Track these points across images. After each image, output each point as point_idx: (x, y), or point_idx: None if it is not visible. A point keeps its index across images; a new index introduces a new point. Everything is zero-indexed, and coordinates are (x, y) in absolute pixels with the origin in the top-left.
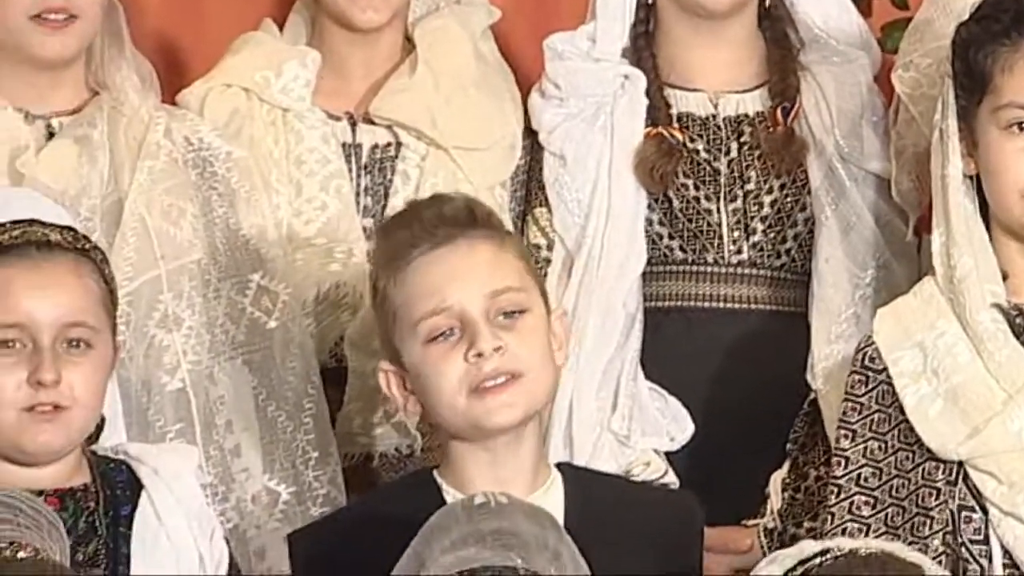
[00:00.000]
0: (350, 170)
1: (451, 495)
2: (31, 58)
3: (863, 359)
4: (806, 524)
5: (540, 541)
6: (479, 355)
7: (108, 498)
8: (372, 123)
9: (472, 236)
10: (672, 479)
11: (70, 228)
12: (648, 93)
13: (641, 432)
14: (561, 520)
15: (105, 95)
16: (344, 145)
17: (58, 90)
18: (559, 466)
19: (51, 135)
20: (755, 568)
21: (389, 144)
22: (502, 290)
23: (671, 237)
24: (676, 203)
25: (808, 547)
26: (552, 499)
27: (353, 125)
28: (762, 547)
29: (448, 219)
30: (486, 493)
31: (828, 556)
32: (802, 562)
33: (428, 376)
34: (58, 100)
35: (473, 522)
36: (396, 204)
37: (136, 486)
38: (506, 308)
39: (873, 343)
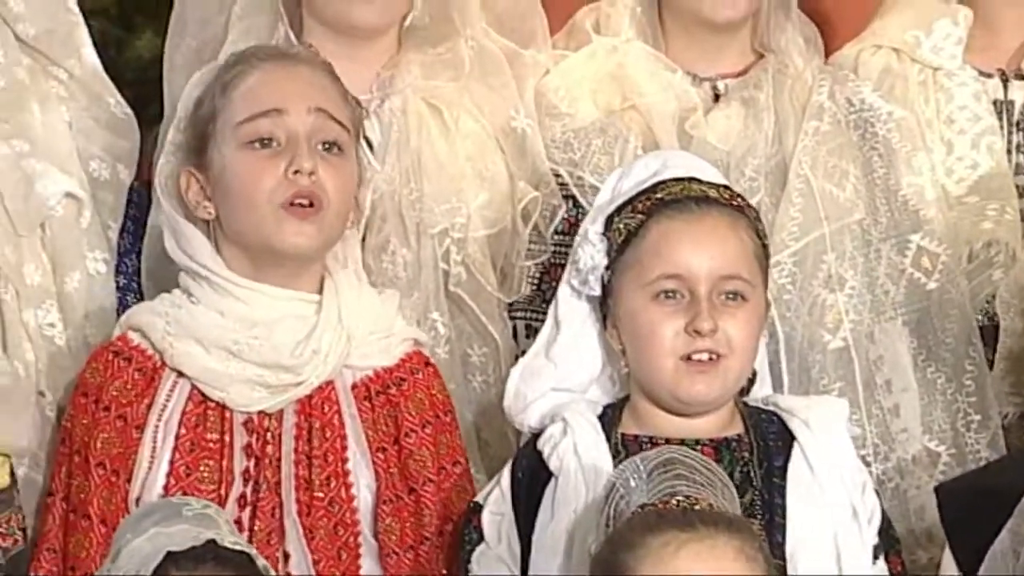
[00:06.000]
0: (1001, 127)
1: None
2: (707, 21)
3: None
4: None
5: None
6: None
7: (762, 449)
8: None
9: None
10: None
11: (725, 186)
12: None
13: None
14: None
15: (771, 57)
16: (995, 102)
17: (725, 53)
18: None
19: (717, 97)
20: None
21: None
22: None
23: None
24: None
25: None
26: None
27: (1005, 82)
28: None
29: None
30: None
31: None
32: None
33: None
34: (724, 63)
35: None
36: None
37: (787, 438)
38: None
39: None
